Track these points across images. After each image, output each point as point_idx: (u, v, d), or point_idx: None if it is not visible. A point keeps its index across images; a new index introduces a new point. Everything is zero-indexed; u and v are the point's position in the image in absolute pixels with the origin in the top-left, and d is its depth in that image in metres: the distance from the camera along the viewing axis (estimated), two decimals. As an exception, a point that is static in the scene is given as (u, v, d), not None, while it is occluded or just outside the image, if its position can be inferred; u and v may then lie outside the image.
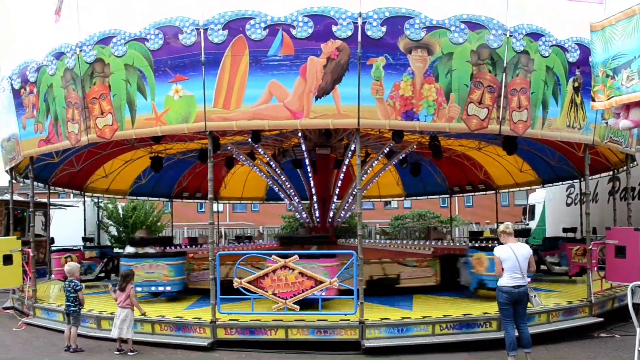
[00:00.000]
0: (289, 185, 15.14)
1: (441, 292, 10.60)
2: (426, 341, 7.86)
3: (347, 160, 13.58)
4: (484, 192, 19.95)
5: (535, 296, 6.97)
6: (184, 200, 20.81)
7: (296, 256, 8.26)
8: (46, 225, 16.77)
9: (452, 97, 8.04)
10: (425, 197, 22.69)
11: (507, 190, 19.30)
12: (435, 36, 7.79)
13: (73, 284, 8.21)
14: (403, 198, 23.25)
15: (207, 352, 7.94)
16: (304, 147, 13.61)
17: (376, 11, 7.64)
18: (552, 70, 8.54)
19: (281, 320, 8.12)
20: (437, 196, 22.94)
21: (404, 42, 7.75)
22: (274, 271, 8.20)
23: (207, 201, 8.70)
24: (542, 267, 12.21)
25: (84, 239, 16.24)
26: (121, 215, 24.59)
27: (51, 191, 15.34)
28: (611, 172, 13.75)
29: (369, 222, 31.95)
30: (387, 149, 13.37)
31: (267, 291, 8.19)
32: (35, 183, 11.42)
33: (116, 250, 18.15)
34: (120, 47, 8.21)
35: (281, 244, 12.06)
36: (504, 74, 8.17)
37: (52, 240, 16.19)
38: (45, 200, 16.08)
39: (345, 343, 7.91)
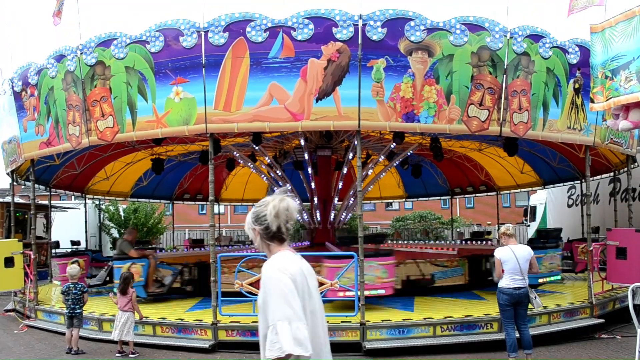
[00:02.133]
0: (289, 187, 15.14)
1: (442, 293, 10.60)
2: (427, 342, 7.86)
3: (348, 161, 13.59)
4: (485, 194, 19.95)
5: (536, 297, 6.97)
6: (185, 202, 20.83)
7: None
8: (47, 227, 16.78)
9: (453, 99, 8.05)
10: (427, 198, 22.69)
11: (508, 191, 19.30)
12: (435, 38, 7.80)
13: (80, 286, 8.31)
14: (404, 199, 23.25)
15: (208, 354, 7.95)
16: (304, 149, 13.61)
17: (376, 13, 7.66)
18: (553, 71, 8.55)
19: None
20: (438, 197, 22.94)
21: (404, 44, 7.77)
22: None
23: (208, 203, 8.71)
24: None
25: (72, 243, 16.22)
26: (122, 218, 24.60)
27: (52, 193, 15.36)
28: (612, 173, 13.75)
29: (370, 224, 31.95)
30: (388, 150, 13.38)
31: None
32: (36, 185, 11.44)
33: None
34: (121, 49, 8.23)
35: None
36: (505, 76, 8.17)
37: (57, 244, 16.20)
38: (46, 202, 16.09)
39: (346, 345, 7.91)
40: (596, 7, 7.76)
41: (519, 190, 18.91)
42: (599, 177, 14.53)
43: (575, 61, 8.63)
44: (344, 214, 15.25)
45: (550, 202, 20.34)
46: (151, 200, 21.06)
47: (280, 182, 14.97)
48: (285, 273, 2.44)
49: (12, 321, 10.92)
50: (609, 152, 11.83)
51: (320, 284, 8.14)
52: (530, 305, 6.95)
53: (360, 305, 7.96)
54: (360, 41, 7.68)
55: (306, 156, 13.97)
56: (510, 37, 8.03)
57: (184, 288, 11.50)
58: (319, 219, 15.00)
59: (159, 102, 8.23)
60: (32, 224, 11.30)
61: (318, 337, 2.55)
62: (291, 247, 2.68)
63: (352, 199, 14.50)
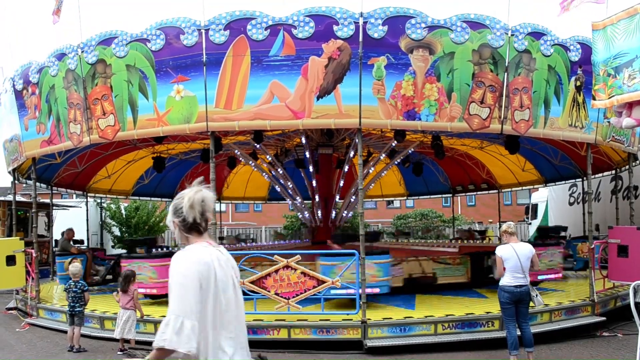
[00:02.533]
0: (291, 185, 15.14)
1: (443, 291, 10.59)
2: (428, 340, 7.86)
3: (349, 159, 13.59)
4: (486, 192, 19.95)
5: (537, 295, 6.95)
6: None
7: (298, 256, 8.27)
8: (49, 225, 16.81)
9: (454, 97, 8.03)
10: (428, 196, 22.70)
11: (509, 189, 19.31)
12: (436, 36, 7.79)
13: (80, 284, 8.29)
14: (405, 197, 23.26)
15: (209, 352, 7.94)
16: (305, 147, 13.61)
17: (377, 11, 7.65)
18: (554, 69, 8.53)
19: (284, 320, 8.14)
20: (440, 195, 22.96)
21: (405, 42, 7.75)
22: (276, 271, 8.21)
23: (209, 201, 8.70)
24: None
25: (75, 242, 16.19)
26: (124, 216, 24.59)
27: (54, 192, 15.38)
28: (613, 171, 13.74)
29: (372, 222, 31.95)
30: (389, 148, 13.37)
31: (269, 291, 8.20)
32: (38, 184, 11.44)
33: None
34: (121, 47, 8.23)
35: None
36: (506, 73, 8.16)
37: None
38: (48, 200, 16.13)
39: (347, 343, 7.92)
40: (595, 3, 7.74)
41: (520, 188, 18.92)
42: (600, 174, 14.53)
43: (576, 59, 8.61)
44: (345, 212, 15.25)
45: (552, 200, 20.34)
46: (152, 199, 21.09)
47: (281, 180, 14.98)
48: (189, 266, 2.51)
49: (14, 319, 10.94)
50: (610, 150, 11.82)
51: (322, 282, 8.14)
52: (531, 303, 6.95)
53: (361, 303, 7.96)
54: (361, 39, 7.67)
55: (307, 154, 13.97)
56: (512, 35, 8.02)
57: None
58: (320, 217, 15.00)
59: (160, 100, 8.22)
60: (33, 222, 11.32)
61: (228, 331, 2.60)
62: (210, 239, 2.73)
63: (354, 197, 14.51)
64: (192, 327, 2.42)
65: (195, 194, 2.68)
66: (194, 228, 2.68)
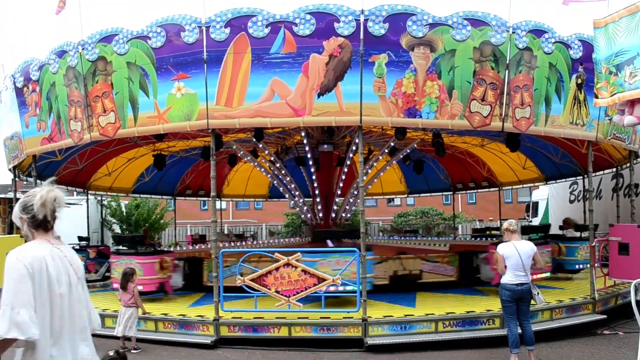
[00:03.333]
0: (291, 183, 15.12)
1: (445, 289, 10.59)
2: (429, 338, 7.86)
3: (350, 157, 13.57)
4: (487, 189, 19.94)
5: (538, 293, 6.96)
6: (187, 198, 20.85)
7: (299, 254, 8.27)
8: (49, 223, 16.77)
9: (455, 94, 8.02)
10: (429, 194, 22.69)
11: (510, 187, 19.29)
12: (437, 33, 7.77)
13: None
14: (406, 195, 23.26)
15: (210, 349, 7.97)
16: (306, 145, 13.59)
17: (378, 8, 7.64)
18: (555, 66, 8.51)
19: (284, 317, 8.14)
20: (440, 193, 22.94)
21: (406, 39, 7.74)
22: (277, 269, 8.21)
23: (209, 199, 8.71)
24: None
25: (80, 239, 16.18)
26: (124, 213, 24.60)
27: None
28: (614, 169, 13.71)
29: (372, 220, 31.94)
30: (390, 146, 13.36)
31: (270, 289, 8.20)
32: (38, 181, 11.42)
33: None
34: (122, 45, 8.21)
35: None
36: (507, 71, 8.14)
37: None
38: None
39: (348, 340, 7.92)
40: (598, 1, 7.73)
41: (521, 186, 18.90)
42: (601, 172, 14.51)
43: (577, 56, 8.59)
44: (346, 209, 15.23)
45: (552, 198, 20.32)
46: (153, 196, 21.10)
47: (281, 178, 14.96)
48: (21, 261, 2.65)
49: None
50: (611, 148, 11.80)
51: (322, 279, 8.14)
52: (532, 301, 6.94)
53: (362, 301, 7.96)
54: (362, 36, 7.65)
55: (308, 152, 13.94)
56: (513, 32, 8.00)
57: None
58: (320, 215, 14.98)
59: (161, 97, 8.21)
60: (34, 219, 11.28)
61: (65, 323, 2.74)
62: (53, 236, 2.87)
63: (354, 194, 14.49)
64: (29, 316, 2.55)
65: (47, 193, 2.80)
66: (42, 225, 2.83)
